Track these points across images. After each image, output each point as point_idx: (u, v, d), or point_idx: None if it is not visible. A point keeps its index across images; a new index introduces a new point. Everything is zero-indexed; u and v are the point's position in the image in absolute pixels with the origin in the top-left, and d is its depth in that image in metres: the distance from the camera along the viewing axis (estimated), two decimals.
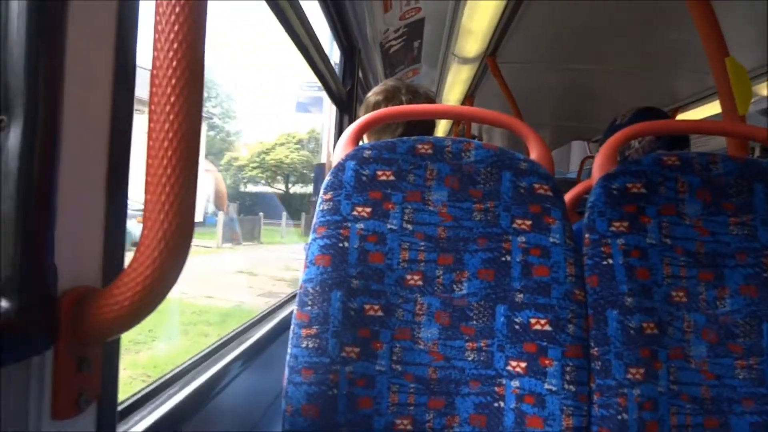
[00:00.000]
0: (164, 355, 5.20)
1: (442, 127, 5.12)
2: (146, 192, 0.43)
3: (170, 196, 0.43)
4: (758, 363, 0.94)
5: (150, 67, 0.44)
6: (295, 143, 26.74)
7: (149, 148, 0.43)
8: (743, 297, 0.97)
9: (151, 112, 0.43)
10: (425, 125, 1.33)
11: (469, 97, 3.58)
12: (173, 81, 0.43)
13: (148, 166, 0.43)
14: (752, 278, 0.97)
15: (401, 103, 1.30)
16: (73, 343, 0.44)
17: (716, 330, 0.96)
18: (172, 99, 0.42)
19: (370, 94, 1.37)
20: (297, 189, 26.41)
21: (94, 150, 0.49)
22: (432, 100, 1.38)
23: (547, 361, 0.92)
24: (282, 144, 26.62)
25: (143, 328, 5.39)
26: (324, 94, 2.18)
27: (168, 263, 0.43)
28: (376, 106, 1.31)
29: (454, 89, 3.45)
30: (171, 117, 0.42)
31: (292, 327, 0.94)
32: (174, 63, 0.42)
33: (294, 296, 0.96)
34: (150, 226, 0.43)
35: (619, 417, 0.90)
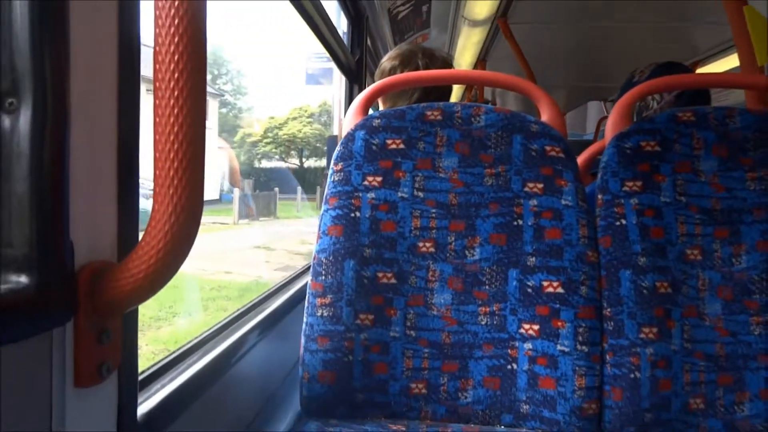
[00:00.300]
0: (185, 331, 5.33)
1: (455, 92, 5.05)
2: (155, 168, 0.44)
3: (178, 171, 0.43)
4: None
5: (153, 45, 0.44)
6: (308, 117, 26.63)
7: (156, 124, 0.44)
8: (760, 253, 0.96)
9: (156, 90, 0.44)
10: (441, 90, 1.31)
11: (481, 61, 3.51)
12: (176, 57, 0.43)
13: (155, 141, 0.44)
14: None
15: (417, 68, 1.28)
16: (92, 316, 0.46)
17: (732, 287, 0.95)
18: (176, 75, 0.43)
19: (384, 59, 1.35)
20: (311, 163, 26.40)
21: (104, 127, 0.50)
22: (449, 64, 1.36)
23: (559, 323, 0.93)
24: (294, 118, 26.55)
25: (163, 304, 5.51)
26: (334, 65, 2.15)
27: (179, 237, 0.44)
28: (392, 71, 1.30)
29: (465, 53, 3.39)
30: (176, 93, 0.43)
31: (307, 296, 0.96)
32: (176, 39, 0.43)
33: (308, 269, 0.98)
34: (160, 201, 0.44)
35: (632, 376, 0.91)
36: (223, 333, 0.93)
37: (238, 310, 1.07)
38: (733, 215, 0.97)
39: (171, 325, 5.43)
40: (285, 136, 26.18)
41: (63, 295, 0.44)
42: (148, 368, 0.69)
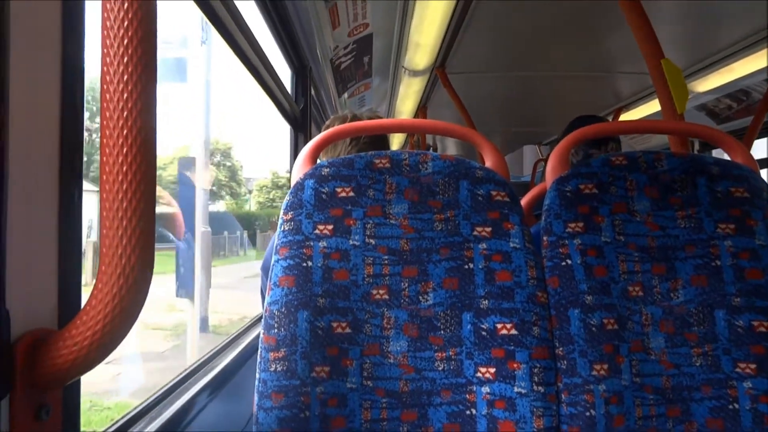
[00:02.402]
0: None
1: (397, 139, 5.16)
2: (102, 226, 0.42)
3: (128, 229, 0.41)
4: (713, 349, 0.98)
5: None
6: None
7: (103, 179, 0.42)
8: (695, 287, 1.01)
9: (103, 143, 0.42)
10: (378, 142, 1.38)
11: (422, 108, 3.63)
12: (126, 101, 0.41)
13: (102, 198, 0.42)
14: (701, 268, 1.02)
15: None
16: (30, 390, 0.42)
17: (672, 321, 1.00)
18: (125, 129, 0.41)
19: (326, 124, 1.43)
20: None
21: (43, 181, 0.47)
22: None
23: (515, 365, 0.94)
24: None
25: None
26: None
27: (128, 299, 0.42)
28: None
29: (406, 101, 3.50)
30: (125, 146, 0.41)
31: (259, 351, 0.93)
32: (127, 84, 0.41)
33: (259, 319, 0.95)
34: (107, 262, 0.42)
35: (587, 414, 0.92)
36: (171, 395, 0.88)
37: (186, 369, 1.01)
38: (668, 252, 1.03)
39: None
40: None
41: None
42: None
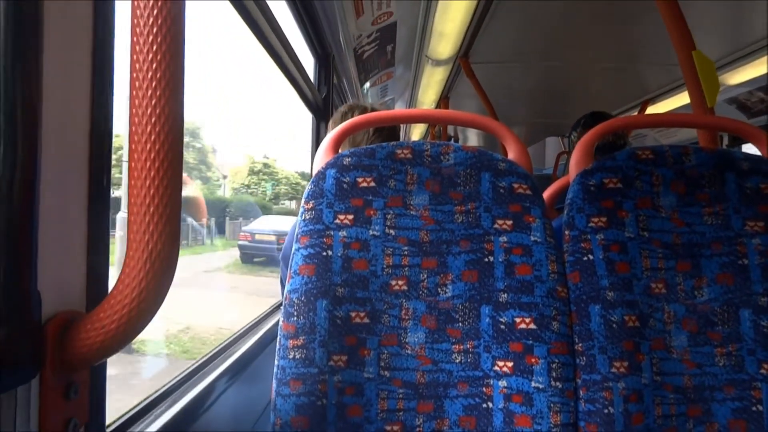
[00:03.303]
0: None
1: (417, 129, 5.14)
2: (130, 213, 0.43)
3: (154, 216, 0.42)
4: (737, 349, 0.96)
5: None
6: None
7: (131, 168, 0.43)
8: (720, 285, 0.99)
9: (131, 134, 0.43)
10: (395, 134, 1.42)
11: (444, 99, 3.60)
12: (154, 96, 0.42)
13: (131, 185, 0.43)
14: (728, 266, 1.00)
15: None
16: (59, 370, 0.44)
17: (696, 319, 0.98)
18: (153, 118, 0.42)
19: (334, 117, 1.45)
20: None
21: (74, 171, 0.48)
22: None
23: (533, 360, 0.93)
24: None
25: None
26: None
27: (154, 284, 0.43)
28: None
29: (428, 91, 3.47)
30: (152, 136, 0.42)
31: (278, 338, 0.94)
32: (153, 82, 0.42)
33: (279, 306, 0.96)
34: (135, 247, 0.43)
35: (606, 411, 0.92)
36: (192, 380, 0.90)
37: (205, 355, 1.03)
38: (694, 249, 1.01)
39: None
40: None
41: (29, 349, 0.42)
42: (114, 421, 0.66)
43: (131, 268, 0.42)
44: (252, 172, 26.32)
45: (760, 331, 0.96)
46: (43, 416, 0.43)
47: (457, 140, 5.49)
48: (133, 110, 0.42)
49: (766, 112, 3.02)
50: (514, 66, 3.02)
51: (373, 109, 1.42)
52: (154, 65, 0.41)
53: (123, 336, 0.43)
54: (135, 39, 0.41)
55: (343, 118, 1.37)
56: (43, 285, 0.43)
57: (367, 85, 3.21)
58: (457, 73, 3.12)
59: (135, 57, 0.42)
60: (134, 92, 0.42)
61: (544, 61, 2.90)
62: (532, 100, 3.99)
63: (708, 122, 1.26)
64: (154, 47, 0.41)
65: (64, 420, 0.45)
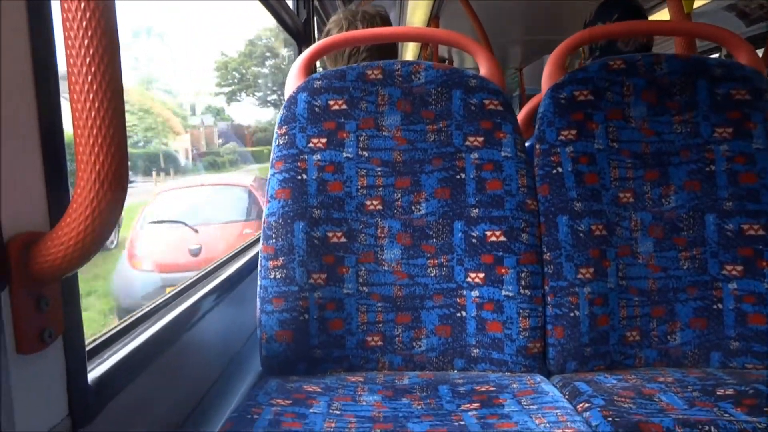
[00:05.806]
0: None
1: (411, 51, 5.00)
2: (75, 135, 0.45)
3: (98, 137, 0.44)
4: (701, 253, 1.00)
5: None
6: None
7: (72, 92, 0.44)
8: (687, 192, 1.01)
9: (68, 56, 0.44)
10: (387, 52, 1.31)
11: (434, 19, 3.49)
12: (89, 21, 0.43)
13: (73, 110, 0.45)
14: (695, 173, 1.02)
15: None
16: (27, 284, 0.47)
17: (662, 226, 1.01)
18: (90, 31, 0.43)
19: (328, 25, 1.35)
20: None
21: (23, 94, 0.50)
22: (388, 22, 1.36)
23: (503, 270, 0.98)
24: None
25: None
26: None
27: (106, 202, 0.45)
28: (328, 36, 1.29)
29: (417, 11, 3.36)
30: (90, 50, 0.43)
31: (259, 260, 0.98)
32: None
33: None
34: (83, 168, 0.45)
35: (572, 314, 0.97)
36: (177, 300, 0.95)
37: (192, 277, 1.08)
38: (662, 158, 1.03)
39: None
40: None
41: None
42: (99, 335, 0.71)
43: (82, 188, 0.45)
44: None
45: (724, 235, 0.99)
46: (17, 326, 0.47)
47: (451, 63, 5.35)
48: (67, 31, 0.43)
49: (764, 19, 2.93)
50: None
51: (382, 18, 1.31)
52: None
53: (82, 252, 0.46)
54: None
55: (325, 36, 1.29)
56: (4, 207, 0.46)
57: (352, 6, 3.10)
58: None
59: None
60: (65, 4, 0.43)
61: None
62: (527, 16, 3.84)
63: (681, 27, 1.24)
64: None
65: (38, 330, 0.49)
